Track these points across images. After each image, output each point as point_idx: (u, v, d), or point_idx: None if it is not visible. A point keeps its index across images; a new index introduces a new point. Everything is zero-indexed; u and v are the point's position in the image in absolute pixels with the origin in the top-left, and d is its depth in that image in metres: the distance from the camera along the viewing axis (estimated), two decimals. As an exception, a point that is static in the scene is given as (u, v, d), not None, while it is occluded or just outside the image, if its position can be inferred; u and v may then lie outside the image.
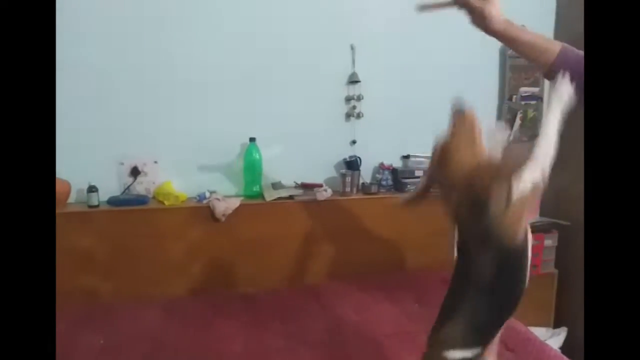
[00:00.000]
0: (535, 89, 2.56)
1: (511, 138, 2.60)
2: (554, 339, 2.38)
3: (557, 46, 1.17)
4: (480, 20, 1.17)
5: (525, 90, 2.54)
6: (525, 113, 2.56)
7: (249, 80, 2.30)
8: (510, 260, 1.08)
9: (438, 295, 2.12)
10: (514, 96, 2.54)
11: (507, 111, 2.56)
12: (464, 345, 1.10)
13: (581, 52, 1.16)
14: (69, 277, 2.07)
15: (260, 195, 2.30)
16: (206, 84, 2.26)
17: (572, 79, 1.08)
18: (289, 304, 2.10)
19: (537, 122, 2.60)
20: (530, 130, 2.60)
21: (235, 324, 1.94)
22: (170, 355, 1.74)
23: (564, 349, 2.38)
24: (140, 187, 2.29)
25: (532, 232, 2.39)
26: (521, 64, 2.53)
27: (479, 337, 1.13)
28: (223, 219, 2.19)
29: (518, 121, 2.57)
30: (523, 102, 2.55)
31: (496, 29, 1.17)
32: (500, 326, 1.17)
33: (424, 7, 1.26)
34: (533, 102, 2.56)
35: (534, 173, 1.04)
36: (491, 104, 2.59)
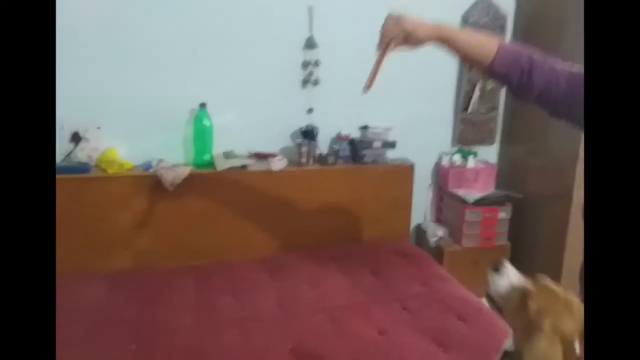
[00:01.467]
0: (494, 61, 2.53)
1: (470, 110, 2.57)
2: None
3: (494, 43, 1.12)
4: (408, 40, 1.18)
5: (485, 61, 2.51)
6: (484, 84, 2.54)
7: (199, 43, 2.16)
8: None
9: (393, 267, 2.14)
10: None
11: (467, 82, 2.52)
12: None
13: (518, 47, 1.14)
14: (1, 250, 1.92)
15: (211, 164, 2.19)
16: (154, 46, 2.11)
17: (511, 76, 1.09)
18: (241, 277, 2.04)
19: (495, 93, 2.59)
20: (489, 102, 2.59)
21: (184, 298, 1.87)
22: (115, 329, 1.65)
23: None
24: (82, 154, 2.13)
25: (486, 204, 2.42)
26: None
27: None
28: (171, 188, 2.08)
29: (477, 92, 2.54)
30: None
31: (423, 36, 1.16)
32: None
33: (368, 86, 1.34)
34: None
35: None
36: (451, 75, 2.55)
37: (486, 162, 2.64)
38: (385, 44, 1.20)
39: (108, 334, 1.61)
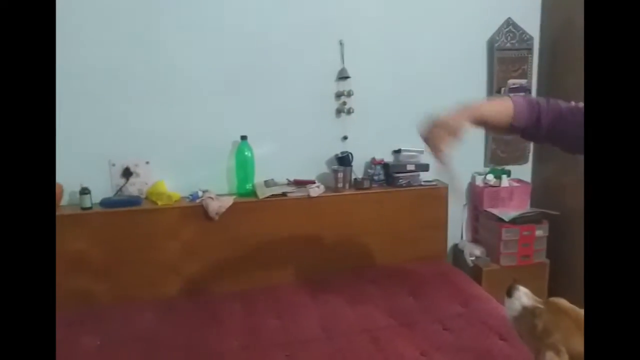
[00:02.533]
0: (523, 81, 2.58)
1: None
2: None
3: (508, 104, 1.22)
4: (456, 134, 1.23)
5: (513, 82, 2.56)
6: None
7: (238, 78, 2.30)
8: None
9: (431, 288, 2.18)
10: (502, 88, 2.56)
11: (496, 103, 2.57)
12: None
13: (524, 98, 1.25)
14: (63, 280, 2.07)
15: (253, 193, 2.30)
16: (196, 82, 2.26)
17: (529, 127, 1.19)
18: (285, 300, 2.12)
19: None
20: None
21: (232, 322, 1.96)
22: (166, 355, 1.75)
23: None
24: (133, 188, 2.28)
25: (523, 222, 2.43)
26: (509, 56, 2.55)
27: None
28: (217, 217, 2.20)
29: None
30: (511, 95, 2.56)
31: (466, 125, 1.22)
32: None
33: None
34: (522, 94, 2.58)
35: None
36: (480, 94, 2.61)
37: (520, 181, 2.66)
38: (438, 150, 1.25)
39: (160, 359, 1.71)
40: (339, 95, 2.40)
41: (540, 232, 2.49)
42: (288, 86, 2.35)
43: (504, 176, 2.59)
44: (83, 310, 2.06)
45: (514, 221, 2.44)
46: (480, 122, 1.24)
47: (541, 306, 1.00)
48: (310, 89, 2.38)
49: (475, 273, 2.48)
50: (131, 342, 1.83)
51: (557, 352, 0.89)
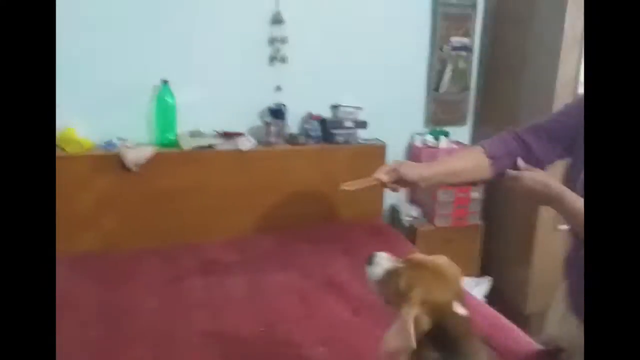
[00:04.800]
0: (466, 40, 2.51)
1: (441, 90, 2.55)
2: (478, 288, 2.41)
3: (479, 155, 1.22)
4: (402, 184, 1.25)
5: (456, 40, 2.48)
6: (455, 64, 2.51)
7: (161, 15, 2.06)
8: None
9: (366, 247, 2.09)
10: (445, 46, 2.48)
11: (438, 61, 2.49)
12: None
13: (499, 139, 1.25)
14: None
15: (175, 143, 2.11)
16: (114, 18, 2.01)
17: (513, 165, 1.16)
18: (209, 259, 1.97)
19: (467, 73, 2.56)
20: (461, 82, 2.57)
21: (151, 280, 1.80)
22: (77, 315, 1.56)
23: (489, 297, 2.41)
24: (38, 134, 2.02)
25: (458, 185, 2.39)
26: (453, 13, 2.46)
27: None
28: (135, 168, 2.00)
29: (449, 72, 2.51)
30: (454, 53, 2.49)
31: (426, 179, 1.23)
32: None
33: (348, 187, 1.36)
34: (464, 53, 2.52)
35: None
36: (422, 54, 2.52)
37: (458, 143, 2.62)
38: (381, 180, 1.25)
39: (70, 318, 1.52)
40: (272, 41, 2.22)
41: (476, 194, 2.46)
42: (216, 27, 2.15)
43: (443, 137, 2.53)
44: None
45: (451, 182, 2.39)
46: (443, 180, 1.30)
47: (400, 266, 0.98)
48: (240, 33, 2.18)
49: (411, 233, 2.43)
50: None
51: (411, 304, 0.88)
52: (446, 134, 2.57)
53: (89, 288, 1.72)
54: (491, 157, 1.21)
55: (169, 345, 1.41)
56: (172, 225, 2.11)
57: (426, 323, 0.88)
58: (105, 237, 2.03)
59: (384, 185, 1.25)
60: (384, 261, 1.01)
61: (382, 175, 1.24)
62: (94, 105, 2.07)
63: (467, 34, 2.52)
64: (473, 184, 1.24)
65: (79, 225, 1.99)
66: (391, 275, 0.97)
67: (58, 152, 1.96)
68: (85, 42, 2.00)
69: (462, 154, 1.33)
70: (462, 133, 2.69)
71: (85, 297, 1.66)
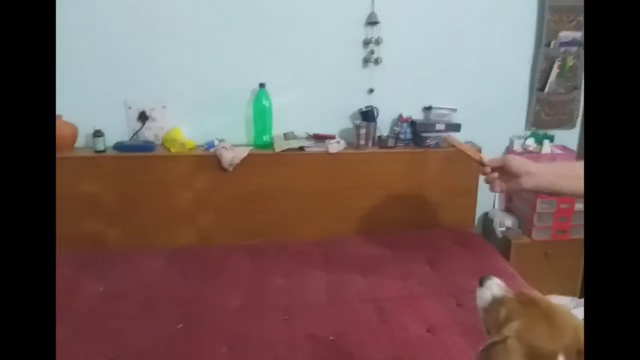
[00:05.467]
0: (577, 34, 2.27)
1: (546, 90, 2.35)
2: (579, 308, 2.23)
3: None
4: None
5: (565, 34, 2.26)
6: (564, 61, 2.29)
7: (259, 22, 2.13)
8: None
9: (452, 259, 2.03)
10: (552, 42, 2.27)
11: (544, 59, 2.29)
12: None
13: None
14: (74, 222, 2.07)
15: (270, 145, 2.19)
16: (216, 26, 2.11)
17: None
18: (294, 259, 2.04)
19: (576, 71, 2.33)
20: (569, 81, 2.34)
21: (236, 277, 1.91)
22: (165, 304, 1.72)
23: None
24: (149, 132, 2.22)
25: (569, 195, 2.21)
26: (563, 5, 2.23)
27: None
28: (230, 168, 2.12)
29: (555, 70, 2.30)
30: (562, 49, 2.27)
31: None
32: None
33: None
34: (574, 49, 2.29)
35: None
36: (525, 51, 2.32)
37: (564, 148, 2.41)
38: (483, 160, 1.10)
39: (159, 310, 1.68)
40: (366, 42, 2.19)
41: (581, 205, 2.26)
42: (311, 32, 2.16)
43: (547, 141, 2.34)
44: (91, 253, 2.06)
45: (552, 192, 2.21)
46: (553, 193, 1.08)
47: (511, 296, 0.91)
48: (335, 35, 2.18)
49: (504, 246, 2.30)
50: (134, 289, 1.82)
51: (502, 339, 0.80)
52: (550, 138, 2.37)
53: (180, 281, 1.87)
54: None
55: (241, 348, 1.49)
56: (262, 223, 2.21)
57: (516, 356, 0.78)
58: (201, 232, 2.19)
59: (483, 165, 1.09)
60: (494, 287, 0.95)
61: (486, 158, 1.10)
62: (199, 107, 2.22)
63: (579, 26, 2.28)
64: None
65: (179, 221, 2.17)
66: (497, 303, 0.91)
67: (165, 152, 2.13)
68: (192, 49, 2.13)
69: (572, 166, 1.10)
70: (569, 137, 2.46)
71: (174, 290, 1.81)
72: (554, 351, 0.78)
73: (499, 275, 1.87)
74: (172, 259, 2.03)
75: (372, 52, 2.20)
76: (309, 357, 1.45)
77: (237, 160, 2.12)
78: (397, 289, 1.81)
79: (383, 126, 2.29)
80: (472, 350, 1.43)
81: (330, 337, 1.53)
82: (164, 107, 2.20)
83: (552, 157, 2.32)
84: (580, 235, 2.30)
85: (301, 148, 2.17)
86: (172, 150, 2.13)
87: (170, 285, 1.84)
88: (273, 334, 1.55)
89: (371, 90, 2.26)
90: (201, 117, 2.23)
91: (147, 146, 2.16)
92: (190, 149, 2.16)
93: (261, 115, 2.19)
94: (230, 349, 1.49)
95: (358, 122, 2.21)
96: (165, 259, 2.03)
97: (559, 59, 2.28)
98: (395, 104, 2.28)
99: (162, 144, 2.20)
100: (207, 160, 2.13)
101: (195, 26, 2.11)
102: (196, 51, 2.14)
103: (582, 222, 2.28)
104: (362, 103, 2.25)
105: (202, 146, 2.19)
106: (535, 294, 0.90)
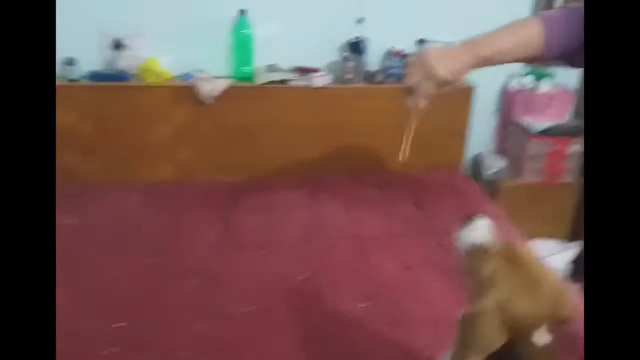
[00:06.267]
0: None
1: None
2: (563, 253, 2.20)
3: (535, 30, 0.94)
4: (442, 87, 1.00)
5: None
6: (569, -6, 2.13)
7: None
8: None
9: (437, 200, 1.98)
10: (554, 2, 2.09)
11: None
12: None
13: (563, 12, 0.98)
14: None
15: (252, 77, 2.07)
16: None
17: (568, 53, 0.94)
18: (275, 196, 1.99)
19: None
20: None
21: (213, 213, 1.86)
22: (139, 239, 1.68)
23: (576, 263, 2.20)
24: (124, 62, 2.09)
25: (555, 134, 2.12)
26: None
27: None
28: (209, 101, 2.01)
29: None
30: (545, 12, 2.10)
31: (461, 77, 0.99)
32: None
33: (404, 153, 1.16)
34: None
35: None
36: (524, 7, 2.17)
37: (563, 87, 2.29)
38: (415, 100, 1.04)
39: (129, 245, 1.64)
40: (357, -33, 2.02)
41: (575, 147, 2.17)
42: (298, -48, 1.99)
43: (546, 79, 2.22)
44: (66, 187, 1.99)
45: (545, 132, 2.12)
46: (488, 63, 0.99)
47: (496, 249, 0.80)
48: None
49: (493, 188, 2.23)
50: (109, 224, 1.78)
51: (485, 315, 0.72)
52: (550, 76, 2.24)
53: (155, 217, 1.82)
54: (547, 38, 0.95)
55: (213, 284, 1.46)
56: (243, 159, 2.14)
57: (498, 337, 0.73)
58: (180, 167, 2.12)
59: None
60: (481, 230, 0.83)
61: (420, 103, 1.04)
62: (177, 36, 2.07)
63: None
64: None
65: (157, 155, 2.09)
66: (481, 251, 0.80)
67: (140, 82, 2.02)
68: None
69: (515, 27, 0.99)
70: (570, 76, 2.33)
71: (149, 224, 1.76)
72: (536, 324, 0.74)
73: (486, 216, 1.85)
74: (149, 194, 1.97)
75: (363, -23, 2.03)
76: (280, 294, 1.42)
77: (215, 92, 2.01)
78: (379, 228, 1.78)
79: (373, 60, 2.16)
80: (449, 288, 1.41)
81: (303, 277, 1.49)
82: (140, 34, 2.06)
83: (550, 97, 2.21)
84: (571, 179, 2.23)
85: (283, 81, 2.05)
86: (147, 79, 2.02)
87: (145, 220, 1.80)
88: (245, 272, 1.52)
89: (360, 20, 2.11)
90: (179, 47, 2.09)
91: (122, 75, 2.04)
92: (166, 80, 2.05)
93: (242, 45, 2.06)
94: (201, 283, 1.46)
95: (346, 54, 2.08)
96: (142, 194, 1.97)
97: (563, -10, 2.11)
98: (387, 36, 2.14)
99: (138, 74, 2.08)
100: (185, 91, 2.02)
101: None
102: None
103: (573, 165, 2.21)
104: (350, 34, 2.11)
105: (180, 77, 2.07)
106: (525, 250, 0.81)
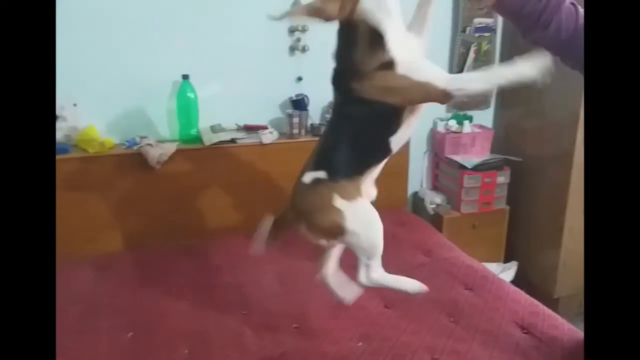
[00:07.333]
0: (489, 20, 2.43)
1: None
2: (505, 273, 2.39)
3: None
4: None
5: (479, 21, 2.40)
6: (479, 46, 2.44)
7: (177, 10, 2.01)
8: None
9: (393, 238, 2.07)
10: (468, 28, 2.40)
11: (461, 44, 2.42)
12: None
13: None
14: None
15: (198, 139, 2.08)
16: (130, 15, 1.96)
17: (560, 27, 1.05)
18: (237, 255, 1.95)
19: (491, 55, 2.49)
20: (485, 64, 2.50)
21: (179, 279, 1.79)
22: (107, 316, 1.56)
23: (515, 282, 2.39)
24: (60, 134, 2.00)
25: (485, 169, 2.35)
26: (475, -8, 2.38)
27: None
28: (158, 166, 1.98)
29: (472, 55, 2.44)
30: (477, 34, 2.42)
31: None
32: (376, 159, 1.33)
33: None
34: (487, 34, 2.44)
35: (438, 73, 1.11)
36: (444, 37, 2.44)
37: (482, 127, 2.56)
38: None
39: (101, 322, 1.52)
40: (292, 30, 2.16)
41: (502, 178, 2.42)
42: (233, 19, 2.09)
43: (467, 122, 2.47)
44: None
45: (476, 168, 2.35)
46: None
47: None
48: (259, 23, 2.10)
49: (436, 221, 2.40)
50: (66, 304, 1.62)
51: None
52: (470, 119, 2.51)
53: (118, 290, 1.71)
54: None
55: (203, 347, 1.41)
56: (198, 222, 2.10)
57: None
58: (130, 237, 2.02)
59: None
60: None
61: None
62: (114, 103, 2.04)
63: (490, 13, 2.43)
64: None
65: (103, 226, 1.99)
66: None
67: (81, 153, 1.94)
68: (102, 40, 1.96)
69: None
70: (485, 117, 2.63)
71: (114, 299, 1.65)
72: None
73: (439, 247, 1.97)
74: (102, 266, 1.85)
75: (298, 40, 2.18)
76: (277, 347, 1.40)
77: (165, 157, 1.98)
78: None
79: (314, 114, 2.27)
80: (433, 319, 1.49)
81: (294, 325, 1.49)
82: (74, 104, 2.00)
83: (473, 137, 2.46)
84: (502, 205, 2.47)
85: (233, 140, 2.09)
86: (91, 151, 1.95)
87: (106, 295, 1.68)
88: (234, 328, 1.47)
89: (300, 79, 2.23)
90: (118, 113, 2.06)
91: (61, 148, 1.94)
92: (109, 148, 1.99)
93: (186, 108, 2.07)
94: (191, 350, 1.39)
95: (290, 110, 2.17)
96: (96, 267, 1.85)
97: (475, 44, 2.42)
98: (325, 91, 2.25)
99: (77, 145, 2.00)
100: (130, 159, 1.97)
101: (109, 14, 1.94)
102: (109, 42, 1.97)
103: (503, 194, 2.45)
104: (291, 92, 2.22)
105: (123, 144, 2.02)
106: None
